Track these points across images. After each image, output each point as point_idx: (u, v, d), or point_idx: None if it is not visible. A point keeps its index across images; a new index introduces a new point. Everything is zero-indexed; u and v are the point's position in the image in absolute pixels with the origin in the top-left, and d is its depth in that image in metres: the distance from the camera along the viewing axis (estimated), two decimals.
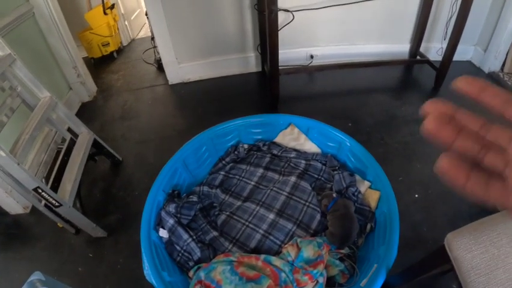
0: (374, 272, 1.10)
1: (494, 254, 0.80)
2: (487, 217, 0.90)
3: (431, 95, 2.43)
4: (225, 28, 2.65)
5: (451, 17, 2.41)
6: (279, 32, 2.01)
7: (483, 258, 0.80)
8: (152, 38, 3.20)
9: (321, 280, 1.17)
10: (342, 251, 1.28)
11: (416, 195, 1.70)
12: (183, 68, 2.85)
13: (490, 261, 0.80)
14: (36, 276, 0.89)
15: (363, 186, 1.48)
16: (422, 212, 1.62)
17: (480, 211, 1.55)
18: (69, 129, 1.90)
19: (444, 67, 2.38)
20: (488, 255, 0.80)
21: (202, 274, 1.20)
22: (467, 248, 0.83)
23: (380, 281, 1.06)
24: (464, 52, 2.72)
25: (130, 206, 1.80)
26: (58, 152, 1.78)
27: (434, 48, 2.77)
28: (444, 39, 2.52)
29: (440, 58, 2.41)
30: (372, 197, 1.42)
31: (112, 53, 3.54)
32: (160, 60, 2.92)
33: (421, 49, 2.76)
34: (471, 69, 2.71)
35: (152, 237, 1.30)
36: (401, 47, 2.83)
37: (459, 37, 2.20)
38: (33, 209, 1.83)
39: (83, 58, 2.78)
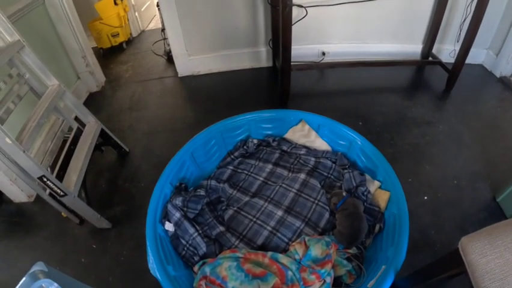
0: (382, 273, 1.09)
1: (509, 259, 0.78)
2: (500, 222, 0.88)
3: (442, 97, 2.40)
4: (237, 21, 2.63)
5: (464, 19, 2.37)
6: (292, 27, 1.98)
7: (497, 263, 0.78)
8: (163, 30, 3.19)
9: (329, 280, 1.16)
10: (349, 250, 1.27)
11: (425, 198, 1.67)
12: (193, 61, 2.84)
13: (504, 266, 0.78)
14: (39, 266, 0.85)
15: (373, 186, 1.46)
16: (430, 214, 1.59)
17: (488, 217, 1.54)
18: (76, 119, 1.88)
19: (457, 69, 2.35)
20: (502, 260, 0.78)
21: (207, 269, 1.19)
22: (482, 253, 0.81)
23: (388, 283, 1.05)
24: (476, 55, 2.68)
25: (135, 198, 1.79)
26: (64, 141, 1.76)
27: (446, 50, 2.74)
28: (458, 42, 2.48)
29: (452, 60, 2.37)
30: (382, 198, 1.40)
31: (121, 43, 3.53)
32: (170, 52, 2.90)
33: (433, 50, 2.73)
34: (482, 73, 2.67)
35: (157, 231, 1.29)
36: (413, 48, 2.80)
37: (472, 40, 2.17)
38: (38, 198, 1.82)
39: (92, 48, 2.77)
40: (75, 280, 0.98)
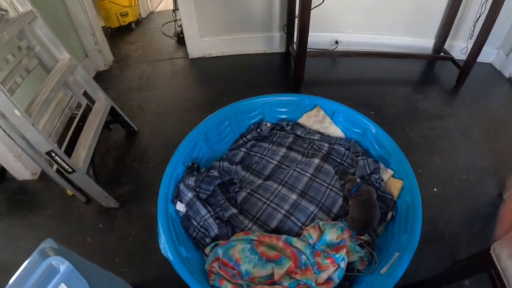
0: (395, 260, 1.08)
1: None
2: None
3: (452, 93, 2.40)
4: (252, 5, 2.60)
5: (479, 17, 2.35)
6: None
7: None
8: (174, 11, 3.15)
9: (343, 265, 1.15)
10: (362, 237, 1.26)
11: (435, 189, 1.68)
12: (205, 42, 2.81)
13: None
14: (48, 243, 0.81)
15: (387, 174, 1.46)
16: (439, 206, 1.60)
17: (494, 212, 1.56)
18: (85, 95, 1.85)
19: (468, 67, 2.34)
20: None
21: (220, 251, 1.18)
22: None
23: (402, 270, 1.05)
24: (487, 54, 2.65)
25: (144, 178, 1.76)
26: (72, 119, 1.73)
27: (458, 47, 2.71)
28: (470, 39, 2.47)
29: (464, 57, 2.36)
30: (395, 186, 1.39)
31: (130, 23, 3.47)
32: (180, 33, 2.87)
33: (445, 46, 2.70)
34: (492, 71, 2.66)
35: (169, 210, 1.27)
36: (425, 42, 2.78)
37: (486, 38, 2.15)
38: (42, 176, 1.79)
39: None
40: (85, 259, 0.95)
